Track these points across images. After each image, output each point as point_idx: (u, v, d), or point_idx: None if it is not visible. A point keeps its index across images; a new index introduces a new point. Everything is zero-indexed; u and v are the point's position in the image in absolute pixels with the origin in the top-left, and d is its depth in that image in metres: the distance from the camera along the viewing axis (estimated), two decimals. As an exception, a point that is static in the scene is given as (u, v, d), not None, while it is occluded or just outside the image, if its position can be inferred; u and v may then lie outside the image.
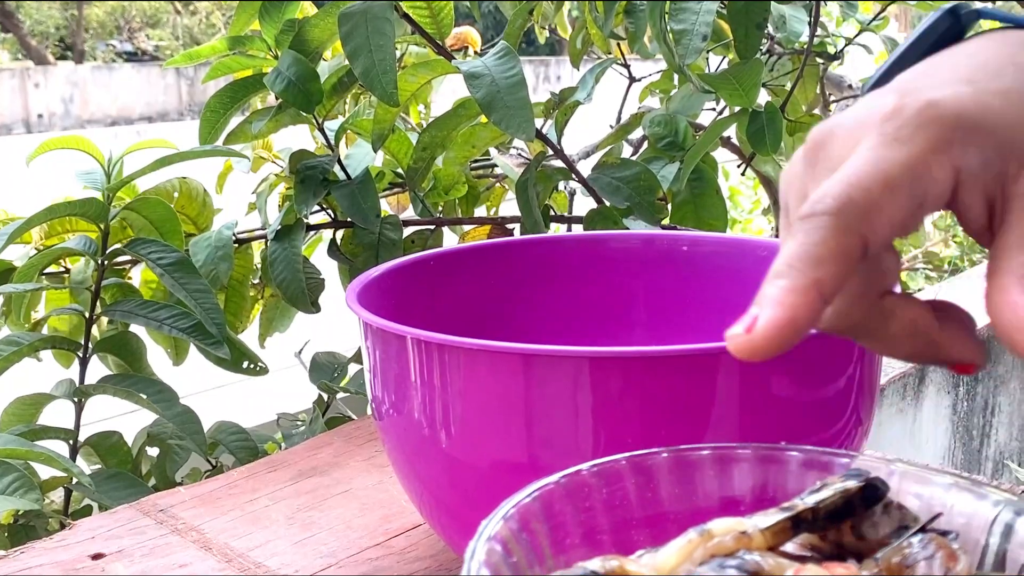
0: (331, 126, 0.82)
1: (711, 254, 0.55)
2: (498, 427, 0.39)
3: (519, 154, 0.98)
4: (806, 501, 0.27)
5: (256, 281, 0.88)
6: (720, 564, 0.25)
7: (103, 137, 1.04)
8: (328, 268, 0.85)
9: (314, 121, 0.81)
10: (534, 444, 0.39)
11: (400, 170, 0.87)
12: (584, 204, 0.88)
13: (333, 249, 0.84)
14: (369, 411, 0.47)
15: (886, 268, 0.29)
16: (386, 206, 1.02)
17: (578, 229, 0.89)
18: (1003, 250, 0.27)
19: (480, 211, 0.97)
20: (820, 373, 0.40)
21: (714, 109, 1.04)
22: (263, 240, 0.85)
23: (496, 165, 0.99)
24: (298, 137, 0.91)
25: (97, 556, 0.49)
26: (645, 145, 0.90)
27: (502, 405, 0.39)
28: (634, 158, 0.90)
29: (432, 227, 0.87)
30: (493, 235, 0.89)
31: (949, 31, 0.33)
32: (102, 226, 0.74)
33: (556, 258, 0.57)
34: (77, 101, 10.21)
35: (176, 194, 0.82)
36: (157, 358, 0.82)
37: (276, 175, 0.89)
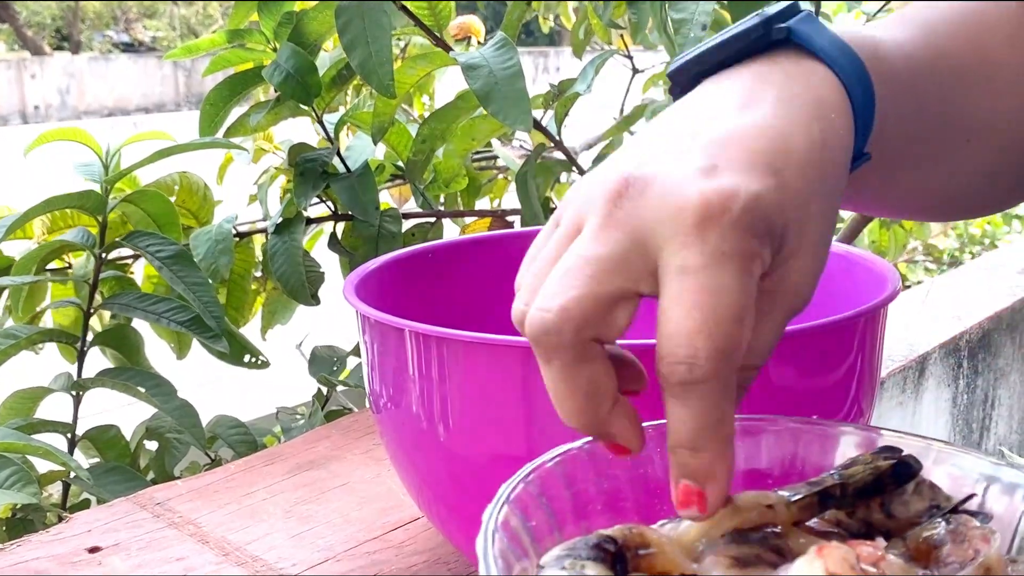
0: (331, 119, 0.82)
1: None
2: (497, 420, 0.39)
3: (521, 146, 0.97)
4: (835, 476, 0.27)
5: (258, 274, 0.88)
6: (744, 537, 0.25)
7: (100, 128, 1.03)
8: (329, 261, 0.84)
9: (313, 114, 0.80)
10: (533, 437, 0.39)
11: (401, 163, 0.87)
12: (584, 196, 0.88)
13: (333, 242, 0.84)
14: (368, 404, 0.47)
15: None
16: (388, 198, 1.02)
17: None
18: None
19: (483, 203, 0.97)
20: (821, 363, 0.40)
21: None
22: (264, 233, 0.85)
23: (498, 156, 0.98)
24: (300, 129, 0.90)
25: (94, 549, 0.49)
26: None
27: (501, 398, 0.39)
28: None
29: (432, 220, 0.87)
30: (493, 227, 0.89)
31: (759, 40, 0.32)
32: (100, 219, 0.74)
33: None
34: (74, 92, 10.19)
35: (177, 188, 0.82)
36: (155, 351, 0.81)
37: (277, 167, 0.89)
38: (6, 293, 0.79)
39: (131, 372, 0.72)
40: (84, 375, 0.74)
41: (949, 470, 0.28)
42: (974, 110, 0.40)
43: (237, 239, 0.83)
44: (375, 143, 0.80)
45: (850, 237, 1.05)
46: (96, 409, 0.81)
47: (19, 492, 0.56)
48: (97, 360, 0.78)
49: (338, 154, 0.80)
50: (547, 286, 0.27)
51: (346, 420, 0.65)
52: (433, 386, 0.40)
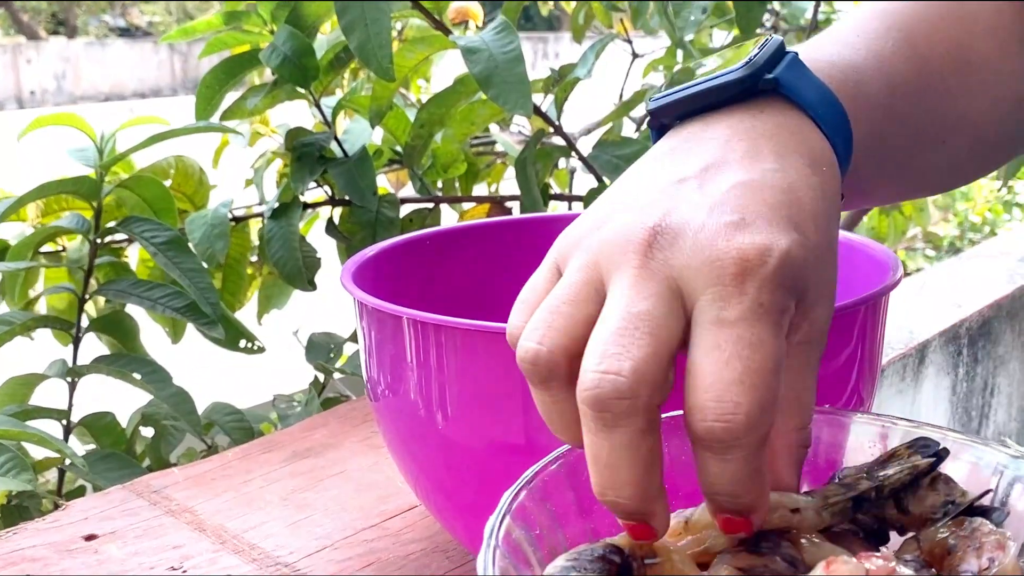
0: (328, 102, 0.81)
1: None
2: (495, 409, 0.39)
3: (520, 131, 0.97)
4: (870, 478, 0.26)
5: (254, 259, 0.87)
6: (755, 546, 0.25)
7: (96, 114, 1.02)
8: (327, 246, 0.84)
9: (310, 97, 0.79)
10: (531, 426, 0.38)
11: (398, 147, 0.86)
12: (584, 182, 0.87)
13: (331, 227, 0.83)
14: (365, 392, 0.46)
15: None
16: (385, 183, 1.01)
17: (578, 207, 0.88)
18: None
19: (480, 188, 0.96)
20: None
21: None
22: (260, 218, 0.84)
23: (496, 142, 0.98)
24: (296, 112, 0.89)
25: (90, 537, 0.49)
26: (648, 122, 0.89)
27: (499, 386, 0.38)
28: (636, 136, 0.89)
29: (431, 205, 0.87)
30: (492, 214, 0.88)
31: (746, 91, 0.32)
32: (95, 204, 0.73)
33: (556, 237, 0.56)
34: (70, 77, 10.14)
35: (172, 172, 0.81)
36: (151, 337, 0.81)
37: (273, 151, 0.88)
38: (0, 278, 0.79)
39: (127, 359, 0.72)
40: (79, 361, 0.73)
41: (966, 461, 0.27)
42: (951, 111, 0.41)
43: (233, 224, 0.82)
44: (373, 127, 0.79)
45: (850, 225, 1.04)
46: (93, 395, 0.80)
47: (14, 479, 0.56)
48: (93, 346, 0.77)
49: (335, 138, 0.79)
50: (600, 347, 0.25)
51: (343, 408, 0.65)
52: (431, 374, 0.39)
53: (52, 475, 0.74)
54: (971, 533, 0.24)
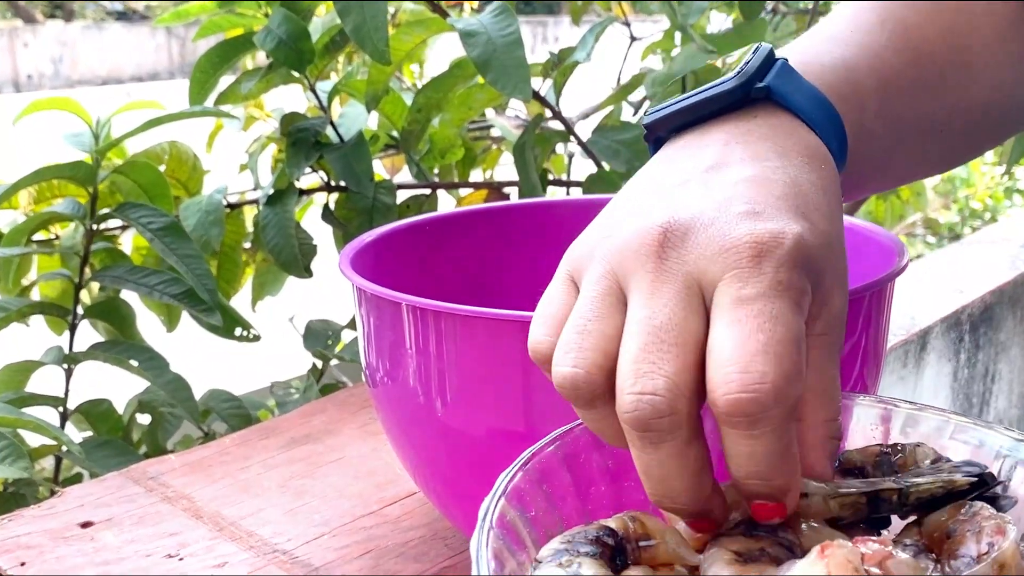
0: (324, 87, 0.80)
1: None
2: (494, 395, 0.38)
3: (517, 116, 0.96)
4: (896, 481, 0.26)
5: (248, 245, 0.87)
6: (752, 528, 0.24)
7: (94, 98, 1.01)
8: (320, 232, 0.83)
9: (306, 81, 0.79)
10: (531, 413, 0.38)
11: (395, 132, 0.85)
12: (583, 167, 0.87)
13: (327, 213, 0.82)
14: (363, 378, 0.46)
15: None
16: (380, 168, 1.00)
17: (577, 193, 0.87)
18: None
19: (476, 173, 0.95)
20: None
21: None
22: (255, 204, 0.83)
23: (493, 127, 0.97)
24: (291, 97, 0.89)
25: (86, 524, 0.48)
26: (646, 106, 0.88)
27: (498, 373, 0.38)
28: (635, 120, 0.88)
29: (428, 191, 0.86)
30: (490, 199, 0.87)
31: (740, 100, 0.33)
32: (90, 190, 0.72)
33: (554, 223, 0.55)
34: (67, 61, 10.08)
35: (166, 157, 0.81)
36: (147, 325, 0.80)
37: (268, 136, 0.88)
38: (-6, 265, 0.78)
39: (123, 345, 0.71)
40: (75, 348, 0.73)
41: (967, 444, 0.27)
42: (946, 103, 0.41)
43: (228, 210, 0.81)
44: (369, 112, 0.78)
45: (851, 210, 1.04)
46: (90, 382, 0.80)
47: (10, 466, 0.56)
48: (88, 333, 0.77)
49: (331, 123, 0.79)
50: (632, 366, 0.25)
51: (342, 394, 0.65)
52: (430, 360, 0.39)
53: (48, 462, 0.73)
54: (971, 517, 0.24)
